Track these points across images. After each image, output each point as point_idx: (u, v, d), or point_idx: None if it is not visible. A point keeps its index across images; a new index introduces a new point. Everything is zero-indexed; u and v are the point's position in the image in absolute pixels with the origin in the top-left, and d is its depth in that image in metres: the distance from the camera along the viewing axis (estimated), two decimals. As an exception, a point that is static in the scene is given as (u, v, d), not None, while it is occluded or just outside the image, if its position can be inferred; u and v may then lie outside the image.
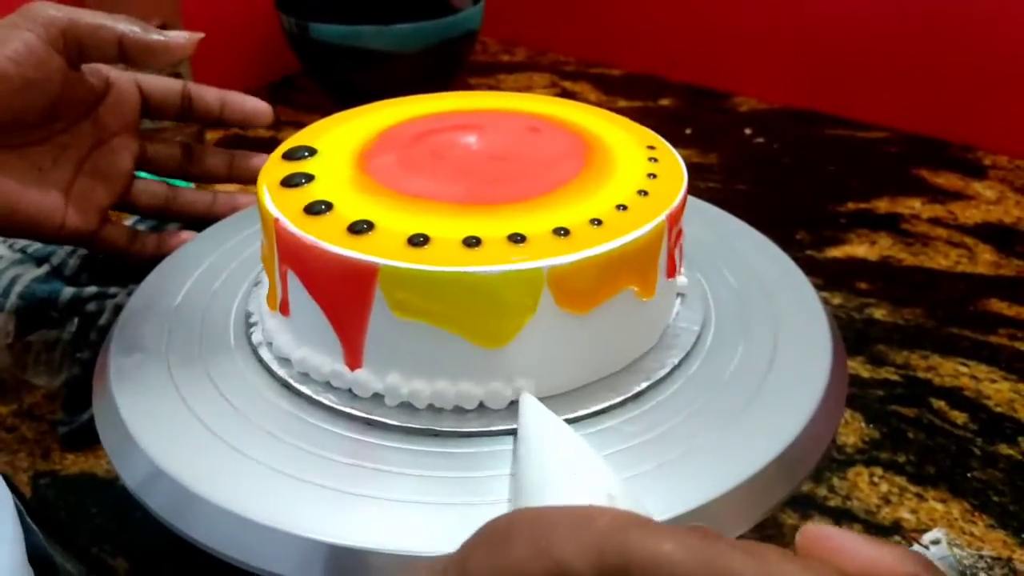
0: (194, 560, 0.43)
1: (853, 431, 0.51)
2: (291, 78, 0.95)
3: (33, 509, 0.47)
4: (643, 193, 0.35)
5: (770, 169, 0.80)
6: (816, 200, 0.74)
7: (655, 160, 0.37)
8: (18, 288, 0.53)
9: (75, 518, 0.46)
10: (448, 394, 0.33)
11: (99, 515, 0.46)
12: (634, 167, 0.37)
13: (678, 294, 0.40)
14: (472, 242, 0.32)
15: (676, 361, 0.36)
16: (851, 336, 0.58)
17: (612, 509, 0.20)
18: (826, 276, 0.64)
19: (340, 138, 0.40)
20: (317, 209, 0.34)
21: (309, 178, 0.36)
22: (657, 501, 0.30)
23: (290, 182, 0.36)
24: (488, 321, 0.31)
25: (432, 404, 0.33)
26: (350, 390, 0.35)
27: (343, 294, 0.32)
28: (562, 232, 0.32)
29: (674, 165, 0.37)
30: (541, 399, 0.33)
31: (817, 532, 0.21)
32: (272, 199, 0.35)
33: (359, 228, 0.33)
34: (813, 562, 0.19)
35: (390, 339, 0.33)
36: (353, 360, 0.34)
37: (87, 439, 0.50)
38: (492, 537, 0.20)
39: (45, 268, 0.55)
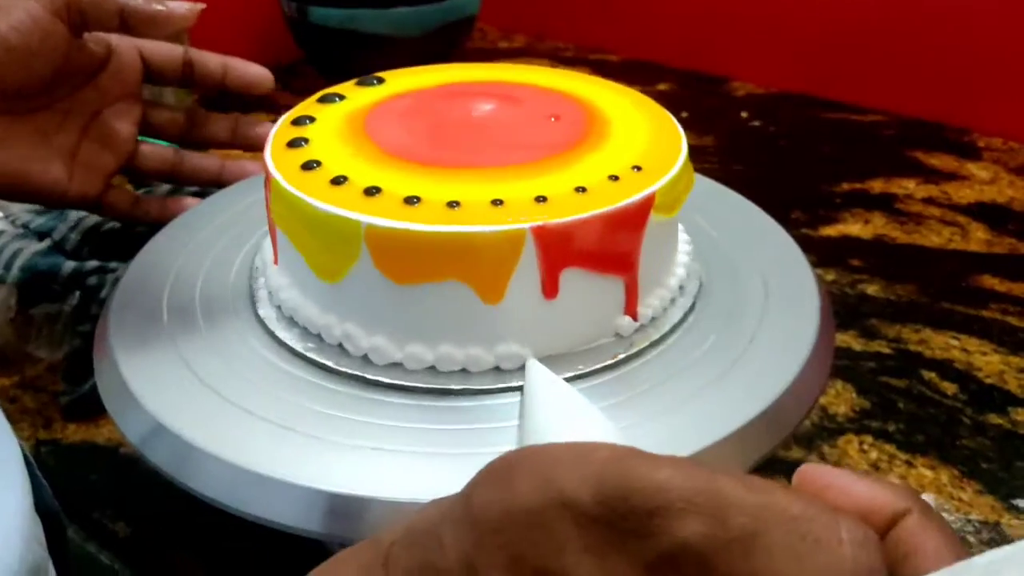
0: (191, 523, 0.44)
1: (844, 401, 0.51)
2: (291, 64, 0.96)
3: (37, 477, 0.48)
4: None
5: (766, 151, 0.80)
6: (811, 181, 0.75)
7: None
8: (20, 262, 0.53)
9: (76, 485, 0.47)
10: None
11: (99, 482, 0.47)
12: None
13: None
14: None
15: (670, 326, 0.37)
16: (844, 311, 0.59)
17: (612, 443, 0.21)
18: (820, 253, 0.64)
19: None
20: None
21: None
22: (657, 446, 0.31)
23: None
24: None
25: (432, 366, 0.34)
26: (340, 345, 0.35)
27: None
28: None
29: (675, 145, 0.37)
30: (541, 359, 0.34)
31: (812, 471, 0.22)
32: (273, 157, 0.36)
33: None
34: (807, 496, 0.19)
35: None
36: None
37: (88, 409, 0.51)
38: (496, 474, 0.21)
39: (47, 243, 0.55)
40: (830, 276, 0.62)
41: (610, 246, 0.33)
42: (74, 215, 0.58)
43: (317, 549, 0.43)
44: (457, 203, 0.33)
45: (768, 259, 0.42)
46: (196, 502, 0.45)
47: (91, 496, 0.46)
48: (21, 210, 0.57)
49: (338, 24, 0.84)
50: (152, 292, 0.40)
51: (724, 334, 0.37)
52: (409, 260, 0.33)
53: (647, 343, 0.36)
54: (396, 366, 0.35)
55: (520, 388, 0.34)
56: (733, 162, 0.77)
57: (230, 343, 0.37)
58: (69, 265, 0.54)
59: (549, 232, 0.32)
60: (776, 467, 0.47)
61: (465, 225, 0.32)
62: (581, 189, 0.33)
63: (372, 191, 0.33)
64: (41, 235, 0.56)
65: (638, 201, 0.34)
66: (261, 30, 0.94)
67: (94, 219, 0.57)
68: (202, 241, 0.44)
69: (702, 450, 0.31)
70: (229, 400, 0.34)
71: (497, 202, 0.33)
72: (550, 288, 0.33)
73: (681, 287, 0.39)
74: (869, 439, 0.49)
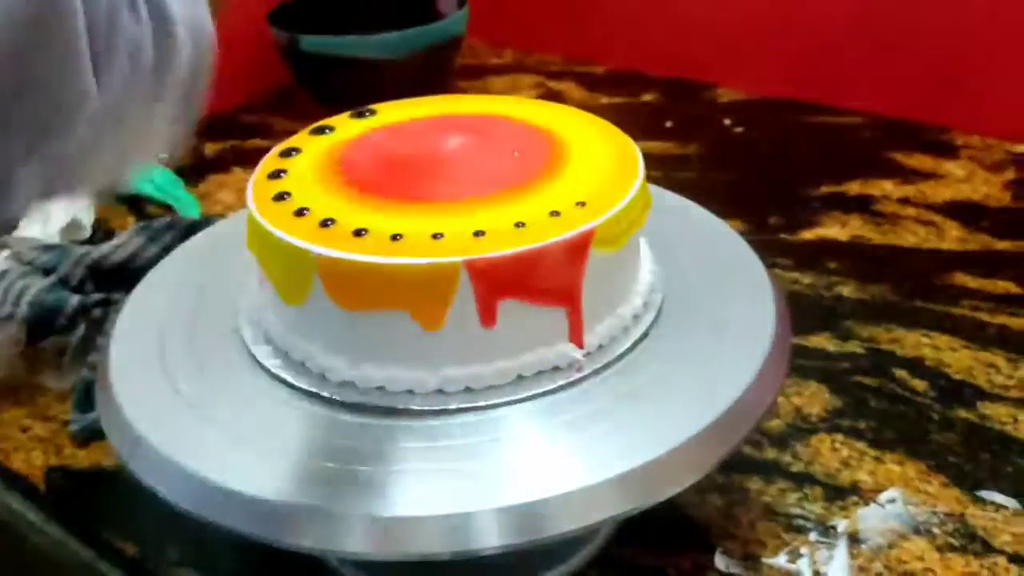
0: (194, 543, 0.47)
1: (818, 401, 0.54)
2: (287, 88, 0.98)
3: (47, 501, 0.51)
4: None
5: (747, 157, 0.82)
6: (791, 185, 0.76)
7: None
8: (27, 298, 0.56)
9: (86, 507, 0.50)
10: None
11: (108, 504, 0.50)
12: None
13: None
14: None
15: (639, 334, 0.39)
16: (819, 313, 0.61)
17: None
18: (797, 257, 0.66)
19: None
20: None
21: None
22: (614, 458, 0.34)
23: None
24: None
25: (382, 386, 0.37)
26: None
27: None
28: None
29: (628, 181, 0.39)
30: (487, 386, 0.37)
31: None
32: (254, 188, 0.40)
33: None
34: None
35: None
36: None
37: (96, 435, 0.53)
38: None
39: (52, 278, 0.58)
40: (807, 279, 0.64)
41: (547, 280, 0.36)
42: (78, 251, 0.60)
43: (317, 565, 0.45)
44: (400, 236, 0.35)
45: (731, 277, 0.43)
46: (194, 520, 0.48)
47: (100, 518, 0.49)
48: (27, 248, 0.59)
49: (328, 51, 0.87)
50: (151, 318, 0.43)
51: (676, 358, 0.39)
52: (355, 289, 0.36)
53: (594, 368, 0.38)
54: (349, 384, 0.37)
55: (462, 410, 0.36)
56: (714, 170, 0.79)
57: (211, 358, 0.40)
58: (74, 299, 0.57)
59: (482, 265, 0.34)
60: (750, 467, 0.49)
61: (404, 257, 0.35)
62: (520, 224, 0.36)
63: (327, 223, 0.36)
64: (47, 271, 0.59)
65: (575, 237, 0.36)
66: (255, 56, 0.97)
67: (99, 253, 0.60)
68: (201, 267, 0.46)
69: (652, 460, 0.34)
70: (204, 416, 0.37)
71: (438, 236, 0.35)
72: (487, 317, 0.36)
73: (636, 316, 0.40)
74: (840, 437, 0.51)
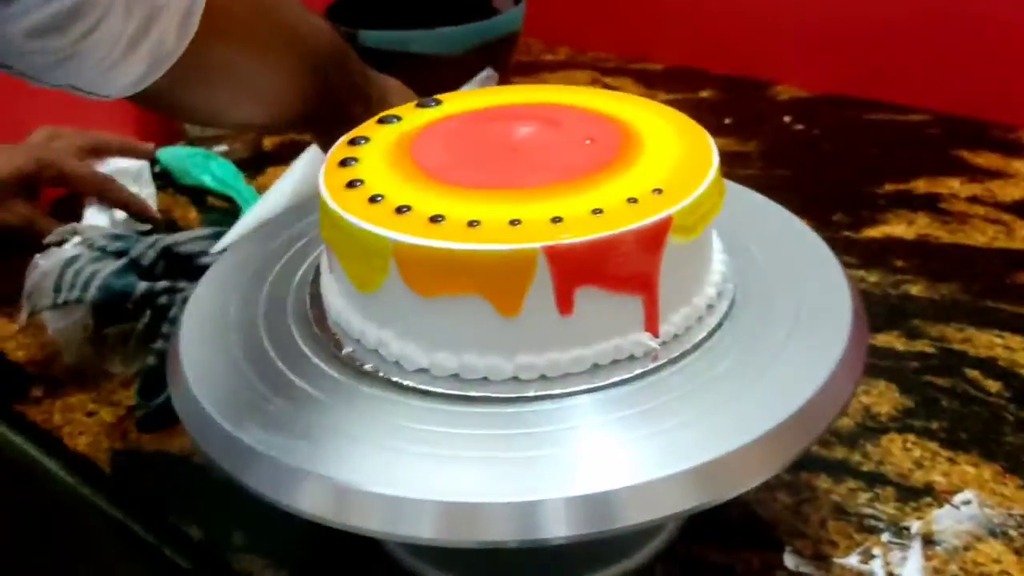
0: (259, 529, 0.47)
1: (887, 400, 0.52)
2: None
3: (112, 484, 0.51)
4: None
5: (809, 154, 0.81)
6: (854, 183, 0.75)
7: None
8: (96, 283, 0.57)
9: (151, 492, 0.50)
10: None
11: (173, 489, 0.50)
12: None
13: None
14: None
15: (695, 342, 0.38)
16: (886, 312, 0.59)
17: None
18: (862, 255, 0.65)
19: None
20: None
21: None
22: (689, 450, 0.33)
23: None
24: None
25: (456, 373, 0.37)
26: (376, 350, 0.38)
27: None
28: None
29: (703, 168, 0.38)
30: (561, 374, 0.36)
31: None
32: (325, 176, 0.39)
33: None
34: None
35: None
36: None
37: (161, 422, 0.54)
38: None
39: (122, 261, 0.58)
40: (873, 277, 0.63)
41: (625, 267, 0.35)
42: (151, 237, 0.61)
43: (376, 554, 0.45)
44: (477, 222, 0.35)
45: (805, 272, 0.42)
46: (259, 505, 0.48)
47: (165, 502, 0.49)
48: (98, 235, 0.60)
49: (387, 45, 0.87)
50: (219, 302, 0.43)
51: (751, 349, 0.38)
52: (432, 275, 0.35)
53: (669, 358, 0.37)
54: (424, 372, 0.37)
55: (539, 398, 0.36)
56: (776, 167, 0.78)
57: (284, 346, 0.40)
58: (142, 285, 0.57)
59: (561, 252, 0.34)
60: (819, 465, 0.48)
61: (483, 243, 0.34)
62: (598, 211, 0.35)
63: (403, 209, 0.36)
64: (119, 254, 0.60)
65: (653, 224, 0.35)
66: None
67: (171, 240, 0.60)
68: (271, 252, 0.47)
69: (726, 454, 0.33)
70: (278, 400, 0.37)
71: (515, 222, 0.35)
72: (564, 304, 0.35)
73: (710, 306, 0.40)
74: (912, 437, 0.50)
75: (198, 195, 0.79)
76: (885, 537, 0.44)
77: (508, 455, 0.34)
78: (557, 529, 0.32)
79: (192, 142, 0.83)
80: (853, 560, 0.43)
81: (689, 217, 0.36)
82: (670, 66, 1.01)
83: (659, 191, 0.36)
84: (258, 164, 0.84)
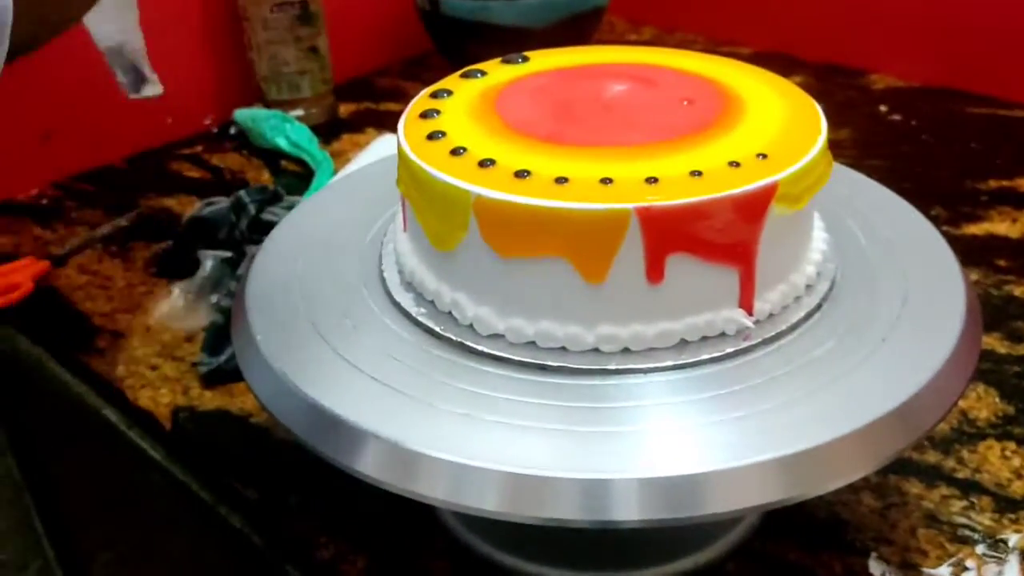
0: (315, 492, 0.46)
1: (986, 405, 0.49)
2: (421, 55, 0.97)
3: (171, 440, 0.50)
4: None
5: (906, 145, 0.77)
6: (954, 177, 0.71)
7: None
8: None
9: (210, 450, 0.49)
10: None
11: (232, 448, 0.49)
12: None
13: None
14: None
15: (791, 323, 0.36)
16: (988, 312, 0.55)
17: None
18: (963, 252, 0.60)
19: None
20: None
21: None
22: (778, 438, 0.31)
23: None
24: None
25: (532, 341, 0.34)
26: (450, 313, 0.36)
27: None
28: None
29: (811, 134, 0.36)
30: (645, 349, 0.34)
31: None
32: (405, 126, 0.37)
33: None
34: None
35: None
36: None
37: (224, 378, 0.53)
38: None
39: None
40: (974, 276, 0.59)
41: (723, 235, 0.32)
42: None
43: (433, 522, 0.43)
44: (566, 179, 0.32)
45: (912, 259, 0.39)
46: (318, 471, 0.47)
47: (224, 462, 0.48)
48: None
49: (469, 15, 0.85)
50: (286, 260, 0.41)
51: (853, 335, 0.35)
52: (514, 233, 0.33)
53: (762, 338, 0.35)
54: (499, 338, 0.35)
55: (620, 371, 0.33)
56: (870, 157, 0.74)
57: (352, 303, 0.38)
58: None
59: (655, 214, 0.31)
60: (910, 469, 0.45)
61: (570, 201, 0.32)
62: (697, 173, 0.33)
63: (486, 163, 0.34)
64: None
65: (757, 189, 0.32)
66: (393, 21, 0.96)
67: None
68: (341, 211, 0.45)
69: (820, 446, 0.30)
70: (347, 360, 0.35)
71: (606, 180, 0.32)
72: (654, 272, 0.32)
73: (809, 285, 0.37)
74: (1012, 446, 0.46)
75: (272, 158, 0.79)
76: (980, 549, 0.41)
77: (583, 430, 0.32)
78: (628, 512, 0.30)
79: (269, 104, 0.82)
80: (944, 572, 0.40)
81: (795, 185, 0.33)
82: (759, 50, 0.97)
83: (763, 156, 0.33)
84: (334, 130, 0.83)
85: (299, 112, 0.82)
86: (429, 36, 0.91)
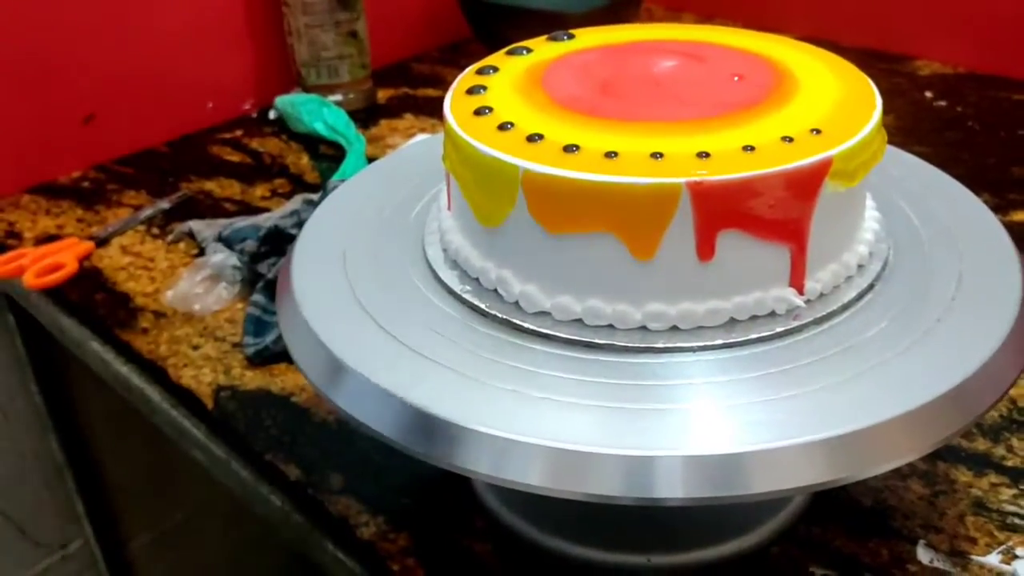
0: (356, 472, 0.46)
1: (1037, 394, 0.48)
2: (459, 42, 0.97)
3: (213, 419, 0.51)
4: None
5: (952, 131, 0.76)
6: (1002, 163, 0.70)
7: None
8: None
9: (251, 428, 0.49)
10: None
11: (273, 427, 0.49)
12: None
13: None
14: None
15: (842, 303, 0.35)
16: (1037, 300, 0.54)
17: None
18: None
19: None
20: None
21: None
22: (827, 419, 0.30)
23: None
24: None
25: (580, 319, 0.34)
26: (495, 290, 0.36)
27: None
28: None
29: (866, 111, 0.35)
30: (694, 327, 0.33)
31: None
32: (452, 102, 0.37)
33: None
34: None
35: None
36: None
37: (270, 359, 0.53)
38: None
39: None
40: (1022, 263, 0.58)
41: (775, 211, 0.32)
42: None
43: (474, 503, 0.43)
44: (615, 153, 0.32)
45: (967, 242, 0.39)
46: (359, 450, 0.47)
47: (265, 440, 0.49)
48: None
49: (507, 0, 0.85)
50: (331, 239, 0.41)
51: (905, 315, 0.34)
52: (562, 208, 0.32)
53: (813, 318, 0.34)
54: (545, 315, 0.35)
55: (668, 350, 0.33)
56: (915, 143, 0.73)
57: (397, 281, 0.38)
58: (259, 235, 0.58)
59: (707, 189, 0.31)
60: (958, 457, 0.44)
61: (620, 176, 0.31)
62: (749, 148, 0.32)
63: (534, 138, 0.34)
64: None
65: (811, 165, 0.32)
66: (431, 7, 0.96)
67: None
68: (384, 191, 0.45)
69: (867, 428, 0.30)
70: (391, 334, 0.35)
71: (657, 155, 0.32)
72: (705, 249, 0.32)
73: (860, 265, 0.36)
74: (1064, 435, 0.45)
75: (311, 142, 0.79)
76: (1032, 538, 0.40)
77: (628, 406, 0.31)
78: (672, 490, 0.29)
79: (308, 89, 0.82)
80: (993, 559, 0.40)
81: (850, 162, 0.33)
82: (801, 37, 0.95)
83: (817, 131, 0.33)
84: (372, 115, 0.83)
85: (337, 97, 0.82)
86: (467, 22, 0.91)
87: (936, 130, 0.76)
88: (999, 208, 0.63)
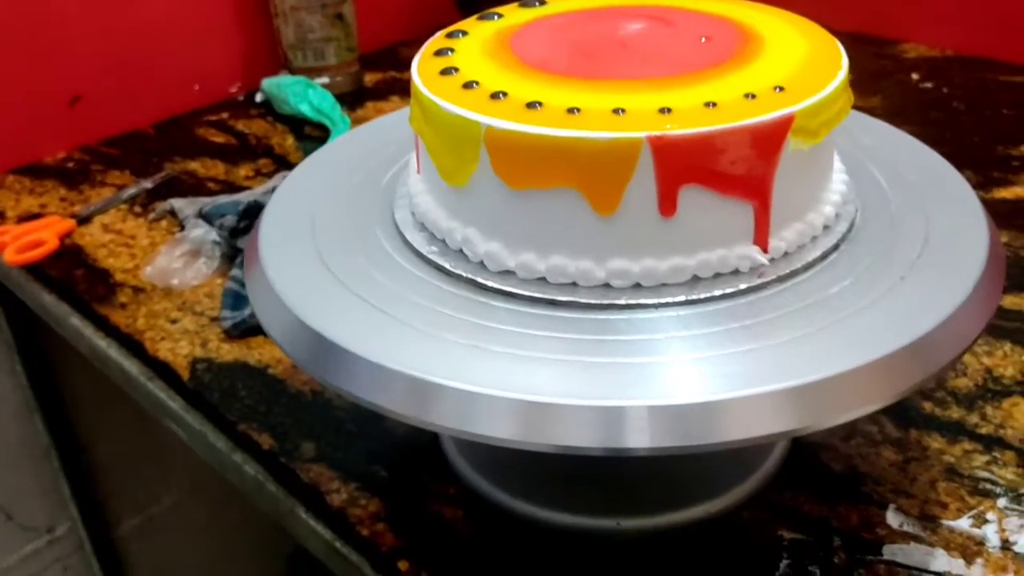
0: (328, 440, 0.46)
1: (1012, 363, 0.48)
2: (440, 27, 0.97)
3: (189, 390, 0.51)
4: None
5: (937, 113, 0.75)
6: (986, 143, 0.70)
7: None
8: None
9: (226, 399, 0.49)
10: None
11: (248, 398, 0.49)
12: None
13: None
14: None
15: (806, 262, 0.35)
16: (1018, 273, 0.54)
17: None
18: (993, 215, 0.60)
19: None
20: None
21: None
22: (791, 369, 0.30)
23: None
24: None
25: (543, 277, 0.34)
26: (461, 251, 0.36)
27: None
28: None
29: (831, 69, 0.35)
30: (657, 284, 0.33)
31: None
32: (419, 64, 0.37)
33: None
34: None
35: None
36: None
37: (247, 332, 0.53)
38: None
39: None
40: (1004, 238, 0.57)
41: (737, 167, 0.32)
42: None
43: (436, 453, 0.43)
44: (578, 110, 0.32)
45: (936, 205, 0.38)
46: (333, 419, 0.47)
47: (239, 410, 0.49)
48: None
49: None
50: (300, 204, 0.41)
51: (870, 273, 0.34)
52: (524, 164, 0.32)
53: (777, 276, 0.34)
54: (510, 274, 0.35)
55: (631, 306, 0.33)
56: (901, 124, 0.73)
57: (364, 244, 0.38)
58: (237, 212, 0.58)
59: (668, 143, 0.31)
60: (932, 424, 0.44)
61: (582, 131, 0.31)
62: (711, 104, 0.32)
63: (498, 95, 0.34)
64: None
65: (772, 121, 0.32)
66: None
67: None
68: (356, 158, 0.45)
69: (830, 377, 0.30)
70: (359, 296, 0.35)
71: (619, 111, 0.32)
72: (667, 204, 0.32)
73: (826, 226, 0.36)
74: (1038, 403, 0.45)
75: (296, 124, 0.79)
76: (1001, 503, 0.40)
77: (593, 360, 0.31)
78: (639, 439, 0.29)
79: (294, 71, 0.82)
80: (964, 523, 0.39)
81: (812, 119, 0.33)
82: (789, 22, 0.96)
83: (781, 88, 0.33)
84: (359, 98, 0.83)
85: (324, 80, 0.82)
86: (455, 6, 0.91)
87: (922, 111, 0.76)
88: (982, 185, 0.64)
